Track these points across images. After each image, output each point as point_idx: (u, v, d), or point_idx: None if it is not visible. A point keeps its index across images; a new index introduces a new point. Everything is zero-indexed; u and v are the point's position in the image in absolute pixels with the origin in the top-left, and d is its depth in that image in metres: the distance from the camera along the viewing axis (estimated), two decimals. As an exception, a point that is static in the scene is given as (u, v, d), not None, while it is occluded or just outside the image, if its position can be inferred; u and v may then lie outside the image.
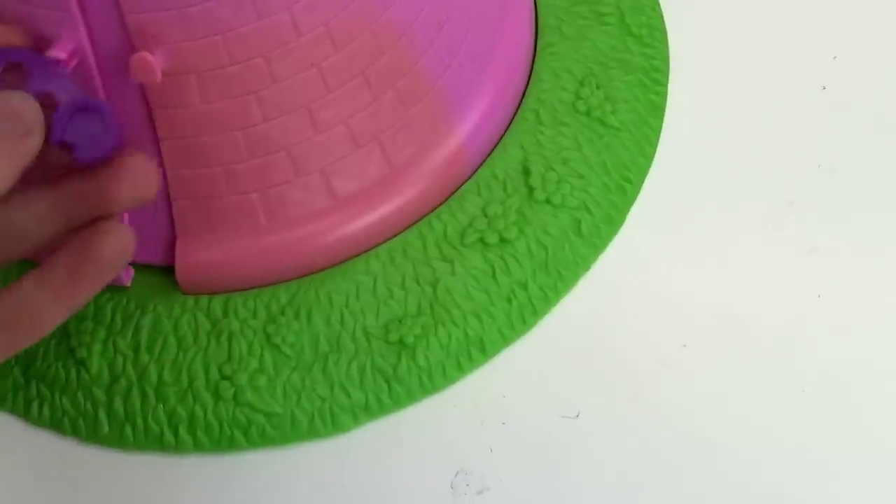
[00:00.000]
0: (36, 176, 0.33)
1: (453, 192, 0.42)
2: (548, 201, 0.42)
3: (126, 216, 0.40)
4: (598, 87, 0.44)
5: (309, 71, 0.38)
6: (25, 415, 0.41)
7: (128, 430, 0.40)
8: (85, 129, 0.34)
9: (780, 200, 0.43)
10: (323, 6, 0.38)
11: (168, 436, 0.40)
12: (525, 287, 0.41)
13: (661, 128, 0.45)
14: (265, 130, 0.39)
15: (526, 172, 0.42)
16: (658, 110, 0.45)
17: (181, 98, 0.38)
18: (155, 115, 0.38)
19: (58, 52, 0.35)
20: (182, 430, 0.40)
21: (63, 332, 0.41)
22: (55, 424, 0.41)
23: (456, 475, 0.39)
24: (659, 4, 0.48)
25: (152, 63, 0.36)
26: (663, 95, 0.46)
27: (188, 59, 0.37)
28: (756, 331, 0.41)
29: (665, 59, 0.46)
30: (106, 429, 0.40)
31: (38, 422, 0.41)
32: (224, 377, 0.40)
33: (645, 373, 0.40)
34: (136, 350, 0.40)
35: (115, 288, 0.41)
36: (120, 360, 0.40)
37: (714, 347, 0.41)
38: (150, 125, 0.39)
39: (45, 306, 0.34)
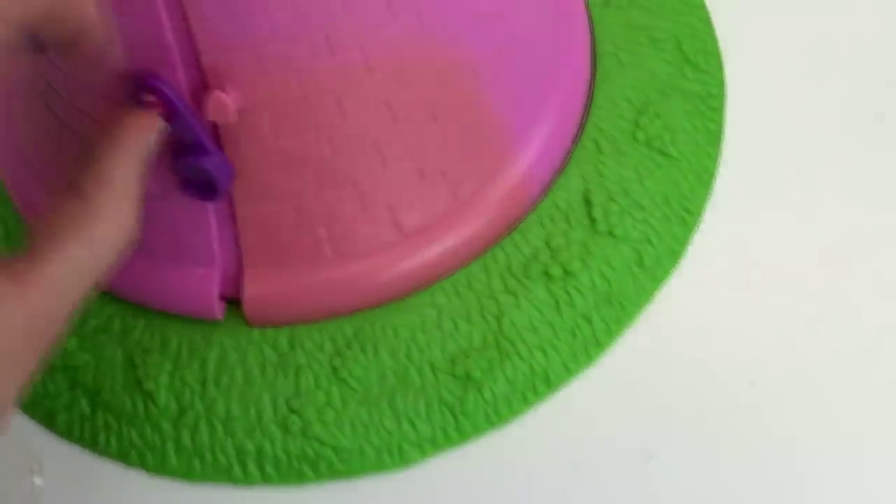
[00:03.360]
0: None
1: (516, 224, 0.42)
2: (610, 233, 0.42)
3: (191, 245, 0.40)
4: (656, 116, 0.45)
5: (378, 107, 0.39)
6: (92, 446, 0.41)
7: (196, 463, 0.40)
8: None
9: (841, 232, 0.43)
10: (394, 43, 0.38)
11: (236, 469, 0.40)
12: (589, 320, 0.41)
13: (718, 156, 0.45)
14: (334, 166, 0.39)
15: (588, 203, 0.43)
16: (715, 138, 0.45)
17: (253, 135, 0.38)
18: (227, 152, 0.38)
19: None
20: (250, 464, 0.40)
21: (130, 364, 0.41)
22: (122, 456, 0.41)
23: (523, 508, 0.39)
24: (714, 30, 0.48)
25: (227, 103, 0.36)
26: (720, 123, 0.46)
27: (261, 97, 0.37)
28: (823, 366, 0.41)
29: (721, 86, 0.46)
30: (174, 462, 0.40)
31: (105, 452, 0.41)
32: (292, 411, 0.40)
33: (714, 407, 0.40)
34: (204, 383, 0.41)
35: (182, 320, 0.42)
36: (187, 393, 0.41)
37: (783, 383, 0.41)
38: (220, 162, 0.39)
39: None
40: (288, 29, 0.36)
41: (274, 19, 0.35)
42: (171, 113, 0.35)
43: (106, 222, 0.32)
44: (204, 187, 0.37)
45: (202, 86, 0.37)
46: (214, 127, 0.38)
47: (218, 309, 0.41)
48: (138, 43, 0.35)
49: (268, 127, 0.38)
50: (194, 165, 0.36)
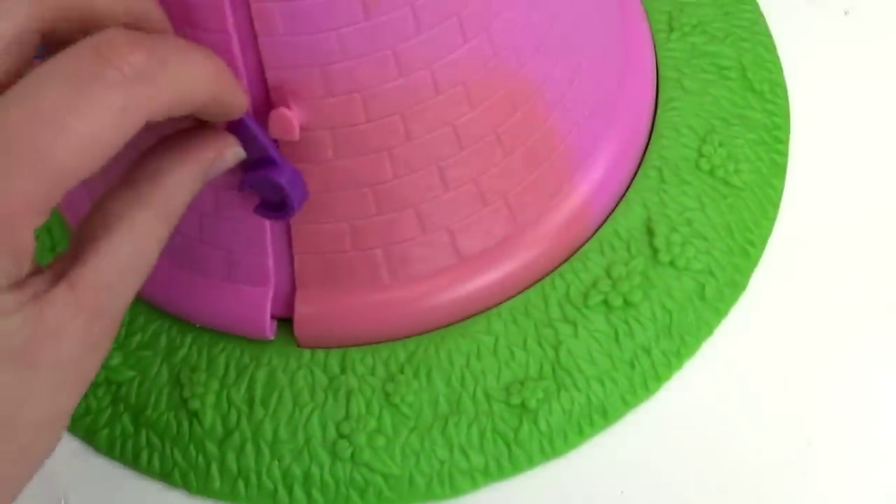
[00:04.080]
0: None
1: (576, 251, 0.41)
2: (672, 264, 0.41)
3: (244, 263, 0.39)
4: (720, 145, 0.43)
5: (443, 129, 0.38)
6: (134, 464, 0.40)
7: (240, 485, 0.39)
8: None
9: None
10: (463, 64, 0.37)
11: (282, 494, 0.39)
12: (648, 352, 0.40)
13: (782, 189, 0.44)
14: (395, 187, 0.38)
15: (650, 233, 0.42)
16: (780, 170, 0.44)
17: (314, 153, 0.37)
18: (286, 170, 0.37)
19: None
20: (297, 489, 0.39)
21: (175, 382, 0.40)
22: (165, 475, 0.40)
23: (575, 544, 0.38)
24: (779, 60, 0.47)
25: (291, 119, 0.35)
26: (785, 154, 0.45)
27: (325, 115, 0.36)
28: (885, 421, 0.40)
29: (786, 117, 0.45)
30: (217, 483, 0.39)
31: (147, 471, 0.40)
32: (342, 436, 0.39)
33: (766, 461, 0.39)
34: (251, 404, 0.40)
35: (231, 339, 0.41)
36: (234, 413, 0.40)
37: (842, 444, 0.39)
38: (279, 179, 0.38)
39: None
40: (357, 47, 0.35)
41: (343, 37, 0.34)
42: (232, 126, 0.34)
43: (150, 210, 0.30)
44: (277, 205, 0.36)
45: (266, 102, 0.36)
46: (275, 144, 0.37)
47: (269, 329, 0.40)
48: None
49: (330, 145, 0.37)
50: (266, 179, 0.35)
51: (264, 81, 0.35)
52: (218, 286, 0.40)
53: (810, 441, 0.39)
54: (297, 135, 0.36)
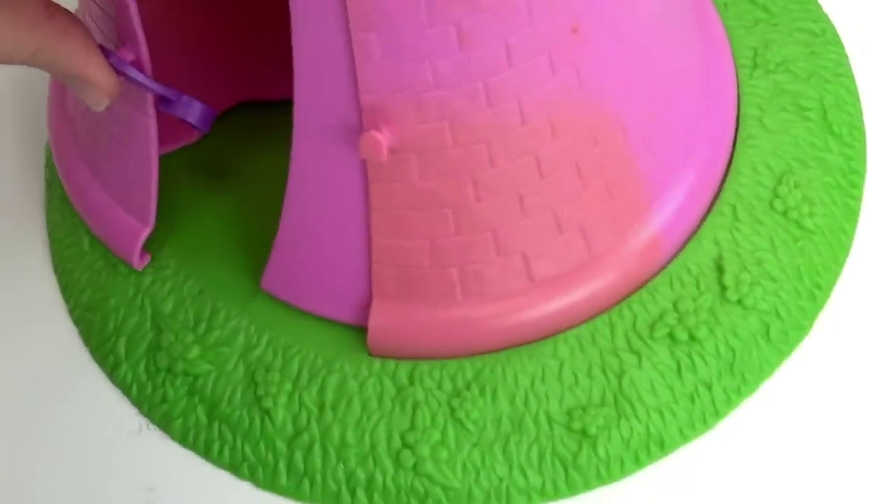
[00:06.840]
0: None
1: (645, 283, 0.42)
2: (739, 302, 0.42)
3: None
4: (796, 186, 0.44)
5: (526, 157, 0.39)
6: (205, 454, 0.42)
7: (305, 484, 0.41)
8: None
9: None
10: (550, 97, 0.38)
11: (345, 496, 0.41)
12: (709, 387, 0.41)
13: (854, 234, 0.45)
14: (475, 211, 0.39)
15: (719, 270, 0.42)
16: (853, 215, 0.45)
17: (400, 174, 0.38)
18: (371, 188, 0.39)
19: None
20: (360, 492, 0.40)
21: (250, 379, 0.42)
22: (234, 468, 0.42)
23: (623, 569, 0.39)
24: (860, 102, 0.47)
25: (381, 143, 0.37)
26: (859, 200, 0.45)
27: (413, 139, 0.37)
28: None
29: (863, 162, 0.46)
30: (284, 480, 0.41)
31: (217, 462, 0.42)
32: (406, 445, 0.40)
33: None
34: (321, 407, 0.41)
35: (305, 342, 0.42)
36: (304, 415, 0.41)
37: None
38: (363, 195, 0.39)
39: None
40: (450, 78, 0.36)
41: (438, 67, 0.36)
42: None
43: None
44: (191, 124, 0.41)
45: (358, 123, 0.37)
46: (363, 162, 0.38)
47: (137, 261, 0.44)
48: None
49: (416, 168, 0.38)
50: (167, 111, 0.40)
51: (358, 104, 0.36)
52: (109, 205, 0.44)
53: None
54: (384, 157, 0.37)
